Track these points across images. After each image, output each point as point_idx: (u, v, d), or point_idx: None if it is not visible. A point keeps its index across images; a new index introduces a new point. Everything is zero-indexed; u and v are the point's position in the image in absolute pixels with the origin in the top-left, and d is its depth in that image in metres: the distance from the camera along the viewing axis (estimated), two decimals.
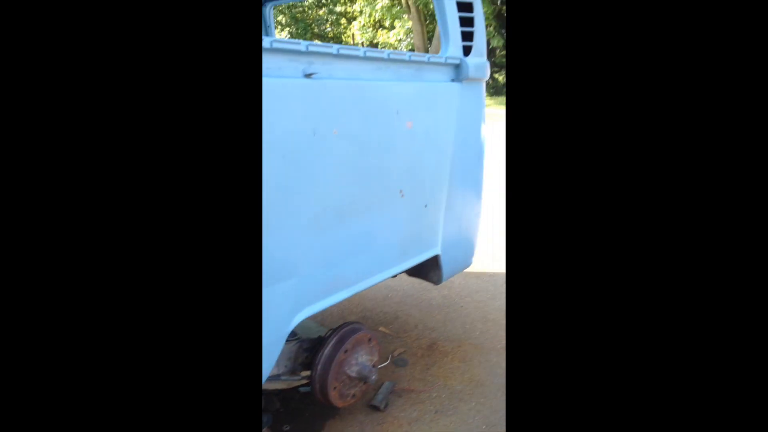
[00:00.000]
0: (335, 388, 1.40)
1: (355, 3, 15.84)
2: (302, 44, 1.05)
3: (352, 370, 1.43)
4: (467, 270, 1.94)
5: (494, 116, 9.38)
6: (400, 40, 14.62)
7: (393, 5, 14.02)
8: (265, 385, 1.33)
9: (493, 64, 14.42)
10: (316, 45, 1.08)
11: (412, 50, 16.07)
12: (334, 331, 1.43)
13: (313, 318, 1.76)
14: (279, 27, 18.31)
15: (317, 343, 1.42)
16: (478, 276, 2.57)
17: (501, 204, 3.96)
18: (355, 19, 16.85)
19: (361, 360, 1.45)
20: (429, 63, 1.41)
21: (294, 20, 18.16)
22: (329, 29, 19.29)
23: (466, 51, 1.50)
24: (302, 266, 1.15)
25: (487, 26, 13.77)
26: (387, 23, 14.93)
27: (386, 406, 1.54)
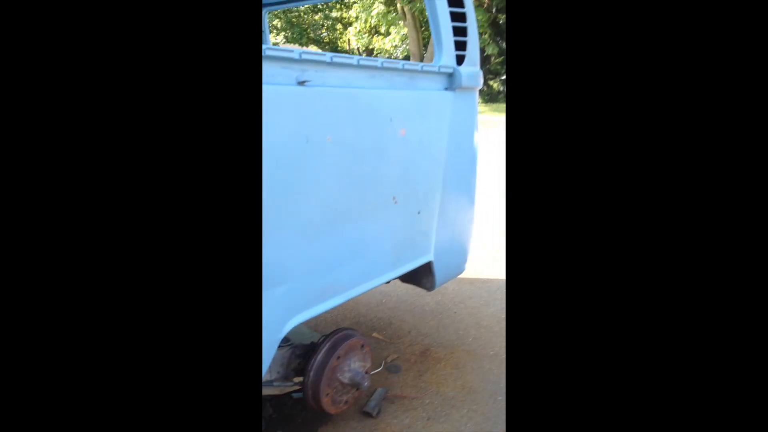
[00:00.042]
0: (328, 394, 1.40)
1: (350, 9, 15.93)
2: (295, 52, 1.05)
3: (345, 377, 1.43)
4: (461, 276, 1.95)
5: (488, 123, 9.45)
6: (395, 47, 14.71)
7: (389, 12, 14.12)
8: None
9: (488, 71, 14.53)
10: (310, 53, 1.09)
11: (407, 57, 16.17)
12: (327, 337, 1.43)
13: (306, 323, 1.75)
14: (274, 31, 18.35)
15: (310, 349, 1.42)
16: (472, 282, 2.58)
17: (494, 210, 3.98)
18: (350, 24, 16.94)
19: (353, 366, 1.45)
20: (422, 72, 1.42)
21: (290, 24, 18.22)
22: (325, 34, 19.38)
23: (460, 60, 1.52)
24: (295, 272, 1.15)
25: (482, 34, 13.91)
26: (383, 29, 15.01)
27: (379, 412, 1.53)
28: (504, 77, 15.10)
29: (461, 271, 1.84)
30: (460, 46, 1.52)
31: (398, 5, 13.35)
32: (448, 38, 1.48)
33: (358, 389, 1.46)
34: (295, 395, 1.45)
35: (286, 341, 1.40)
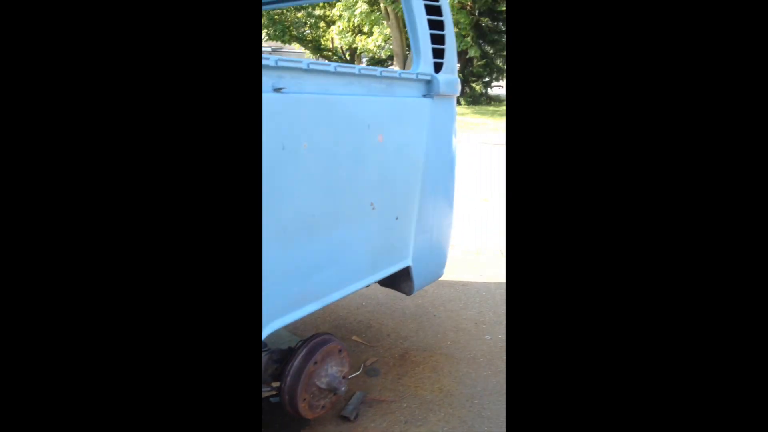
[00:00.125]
0: (305, 399, 1.40)
1: (334, 7, 15.86)
2: (271, 59, 1.05)
3: (322, 382, 1.43)
4: (441, 278, 1.97)
5: (471, 125, 9.56)
6: (379, 47, 14.72)
7: (372, 11, 14.11)
8: None
9: (470, 74, 14.69)
10: (286, 60, 1.09)
11: (391, 57, 16.18)
12: (305, 342, 1.43)
13: (285, 327, 1.75)
14: None
15: (287, 354, 1.42)
16: (452, 285, 2.60)
17: (475, 212, 4.03)
18: (334, 23, 16.86)
19: (331, 371, 1.45)
20: (400, 79, 1.43)
21: (272, 22, 18.02)
22: (308, 32, 19.23)
23: (438, 68, 1.54)
24: (271, 278, 1.15)
25: (464, 36, 14.03)
26: (366, 29, 14.99)
27: (356, 416, 1.54)
28: (486, 80, 15.28)
29: (440, 276, 1.86)
30: (438, 53, 1.54)
31: (382, 5, 13.36)
32: (426, 46, 1.49)
33: (335, 394, 1.46)
34: (272, 400, 1.45)
35: (263, 346, 1.39)
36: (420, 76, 1.49)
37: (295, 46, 21.13)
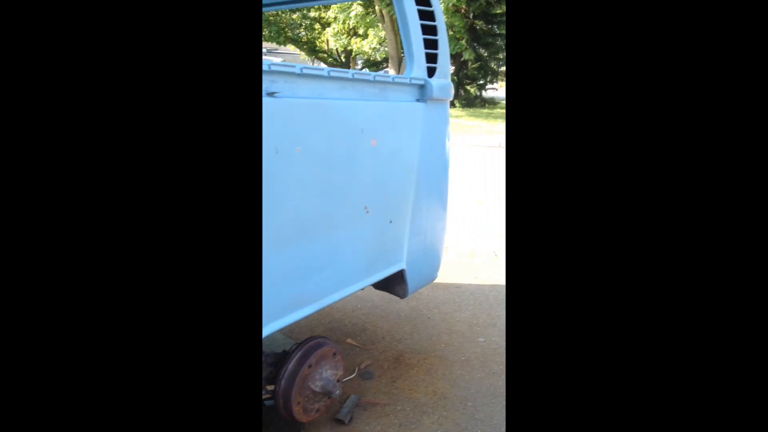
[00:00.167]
0: (299, 403, 1.40)
1: (329, 9, 15.87)
2: (265, 63, 1.06)
3: (316, 385, 1.43)
4: (435, 281, 1.98)
5: (466, 127, 9.59)
6: (374, 49, 14.74)
7: (367, 13, 14.14)
8: None
9: (465, 77, 14.74)
10: (279, 65, 1.10)
11: (386, 59, 16.21)
12: (299, 345, 1.43)
13: (280, 329, 1.75)
14: None
15: (281, 358, 1.42)
16: (446, 287, 2.61)
17: (470, 214, 4.05)
18: (329, 25, 16.87)
19: (325, 375, 1.45)
20: (394, 83, 1.44)
21: (267, 23, 18.01)
22: (303, 33, 19.23)
23: (431, 72, 1.55)
24: (266, 282, 1.15)
25: (459, 39, 14.06)
26: (361, 31, 15.02)
27: (351, 419, 1.54)
28: (481, 82, 15.34)
29: (434, 279, 1.87)
30: (431, 58, 1.55)
31: (377, 7, 13.39)
32: (419, 51, 1.50)
33: (329, 397, 1.46)
34: (266, 403, 1.45)
35: None
36: (413, 81, 1.50)
37: (290, 48, 21.12)
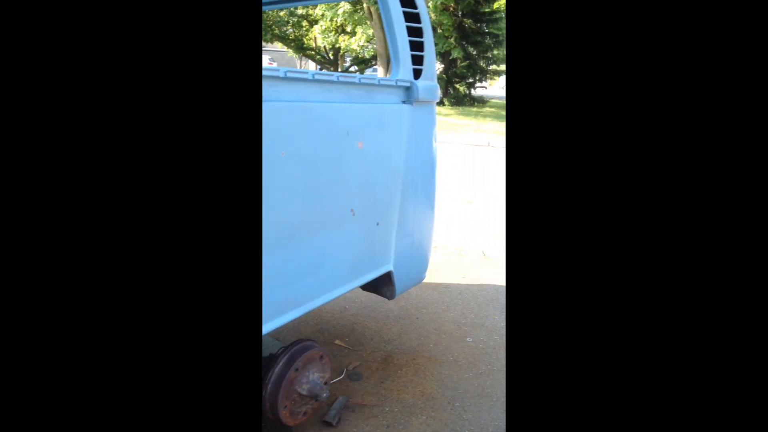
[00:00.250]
0: (286, 406, 1.40)
1: (316, 6, 15.77)
2: None
3: (303, 388, 1.43)
4: (424, 280, 1.99)
5: (455, 126, 9.62)
6: (362, 47, 14.69)
7: (355, 11, 14.08)
8: None
9: (454, 75, 14.78)
10: (264, 69, 1.09)
11: (374, 57, 16.17)
12: (286, 348, 1.43)
13: (266, 333, 1.74)
14: None
15: (268, 362, 1.41)
16: (435, 287, 2.63)
17: (456, 214, 4.06)
18: (316, 22, 16.76)
19: (312, 378, 1.45)
20: (379, 85, 1.44)
21: None
22: (290, 31, 19.08)
23: (417, 74, 1.55)
24: None
25: (447, 37, 14.07)
26: (349, 28, 14.95)
27: (339, 421, 1.54)
28: (470, 81, 15.40)
29: (421, 280, 1.88)
30: (417, 60, 1.55)
31: (364, 5, 13.34)
32: (405, 53, 1.50)
33: (317, 400, 1.46)
34: None
35: None
36: (399, 83, 1.50)
37: (278, 45, 20.93)
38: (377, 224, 1.52)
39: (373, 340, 2.08)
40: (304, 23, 18.57)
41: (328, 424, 1.53)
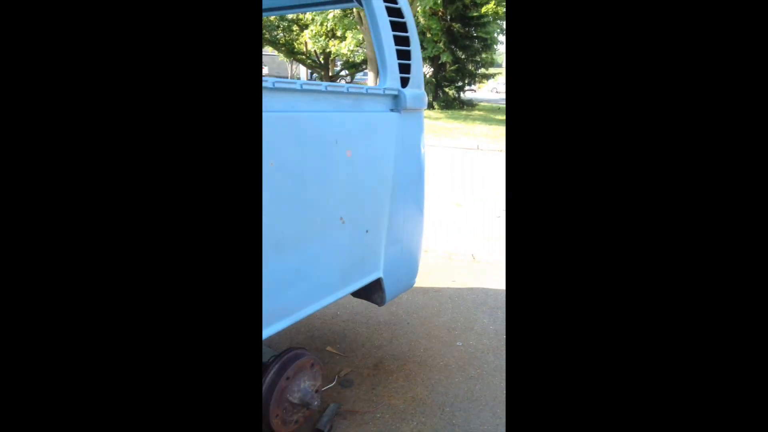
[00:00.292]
0: (277, 415, 1.40)
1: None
2: None
3: (295, 397, 1.43)
4: (415, 285, 2.00)
5: (444, 129, 9.68)
6: (352, 51, 14.73)
7: (345, 15, 14.12)
8: None
9: (443, 79, 14.88)
10: None
11: (365, 61, 16.20)
12: (277, 357, 1.43)
13: None
14: None
15: None
16: (425, 291, 2.64)
17: (445, 218, 4.09)
18: (307, 27, 16.77)
19: (303, 386, 1.45)
20: (367, 94, 1.45)
21: None
22: (281, 35, 19.06)
23: (404, 82, 1.57)
24: None
25: (436, 42, 14.14)
26: (339, 33, 14.98)
27: (331, 429, 1.55)
28: (459, 84, 15.51)
29: (411, 285, 1.89)
30: (405, 69, 1.57)
31: (354, 10, 13.39)
32: (392, 61, 1.52)
33: (308, 408, 1.46)
34: None
35: None
36: (387, 91, 1.51)
37: (269, 49, 20.89)
38: (366, 232, 1.53)
39: (365, 345, 2.08)
40: (295, 27, 18.57)
41: None
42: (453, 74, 14.83)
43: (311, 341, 2.11)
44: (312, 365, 1.48)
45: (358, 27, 14.14)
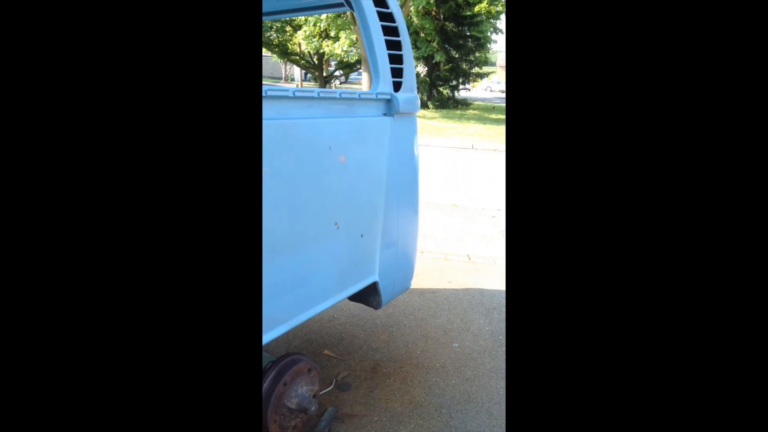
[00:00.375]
0: (275, 421, 1.40)
1: None
2: None
3: (292, 403, 1.43)
4: (411, 286, 2.01)
5: (439, 129, 9.69)
6: (346, 51, 14.71)
7: (338, 15, 14.10)
8: None
9: (437, 78, 14.89)
10: None
11: (359, 60, 16.19)
12: (274, 363, 1.43)
13: None
14: None
15: None
16: (421, 293, 2.65)
17: (441, 218, 4.10)
18: (300, 27, 16.73)
19: (300, 391, 1.45)
20: (360, 99, 1.46)
21: None
22: (274, 36, 19.00)
23: (397, 87, 1.57)
24: None
25: (430, 41, 14.12)
26: (333, 33, 14.96)
27: None
28: (453, 83, 15.53)
29: (407, 288, 1.90)
30: (397, 73, 1.58)
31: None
32: (384, 66, 1.52)
33: (306, 414, 1.46)
34: None
35: None
36: (380, 96, 1.52)
37: (262, 51, 20.82)
38: (361, 236, 1.54)
39: (362, 348, 2.09)
40: (288, 28, 18.52)
41: None
42: (447, 73, 14.85)
43: (308, 345, 2.11)
44: (309, 370, 1.48)
45: (352, 27, 14.12)
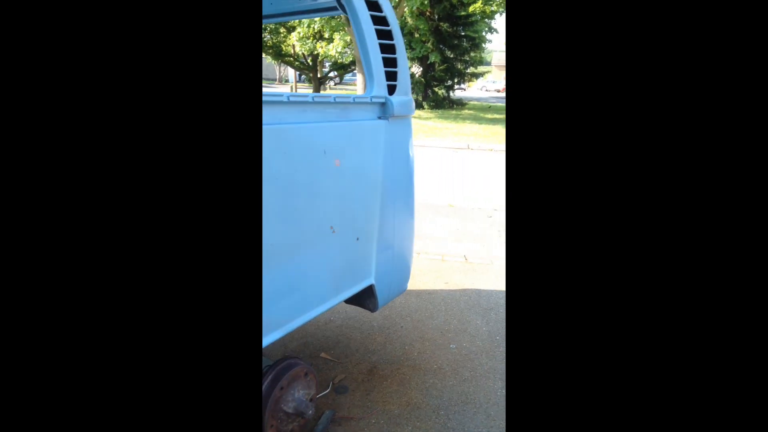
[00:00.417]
0: (272, 426, 1.40)
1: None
2: None
3: (289, 407, 1.43)
4: (408, 287, 2.01)
5: (434, 129, 9.70)
6: (340, 53, 14.70)
7: (332, 17, 14.10)
8: None
9: (433, 78, 14.92)
10: None
11: (353, 62, 16.20)
12: (270, 367, 1.43)
13: None
14: None
15: None
16: (418, 294, 2.65)
17: (437, 219, 4.11)
18: (294, 29, 16.71)
19: (297, 395, 1.45)
20: (354, 103, 1.46)
21: None
22: (268, 37, 18.97)
23: (391, 90, 1.58)
24: None
25: (425, 42, 14.14)
26: (327, 35, 14.95)
27: None
28: (448, 84, 15.57)
29: (403, 290, 1.90)
30: (391, 76, 1.58)
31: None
32: (378, 69, 1.53)
33: (303, 417, 1.46)
34: None
35: None
36: (374, 100, 1.52)
37: None
38: (357, 239, 1.54)
39: (359, 351, 2.09)
40: (282, 30, 18.49)
41: None
42: (442, 74, 14.88)
43: (305, 348, 2.11)
44: (306, 374, 1.48)
45: (346, 29, 14.12)
